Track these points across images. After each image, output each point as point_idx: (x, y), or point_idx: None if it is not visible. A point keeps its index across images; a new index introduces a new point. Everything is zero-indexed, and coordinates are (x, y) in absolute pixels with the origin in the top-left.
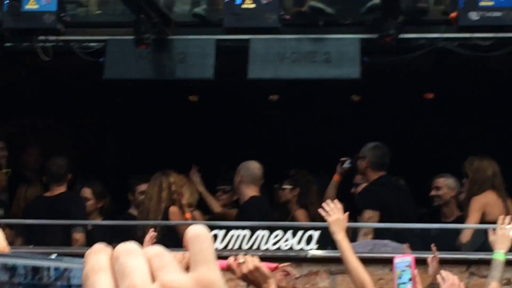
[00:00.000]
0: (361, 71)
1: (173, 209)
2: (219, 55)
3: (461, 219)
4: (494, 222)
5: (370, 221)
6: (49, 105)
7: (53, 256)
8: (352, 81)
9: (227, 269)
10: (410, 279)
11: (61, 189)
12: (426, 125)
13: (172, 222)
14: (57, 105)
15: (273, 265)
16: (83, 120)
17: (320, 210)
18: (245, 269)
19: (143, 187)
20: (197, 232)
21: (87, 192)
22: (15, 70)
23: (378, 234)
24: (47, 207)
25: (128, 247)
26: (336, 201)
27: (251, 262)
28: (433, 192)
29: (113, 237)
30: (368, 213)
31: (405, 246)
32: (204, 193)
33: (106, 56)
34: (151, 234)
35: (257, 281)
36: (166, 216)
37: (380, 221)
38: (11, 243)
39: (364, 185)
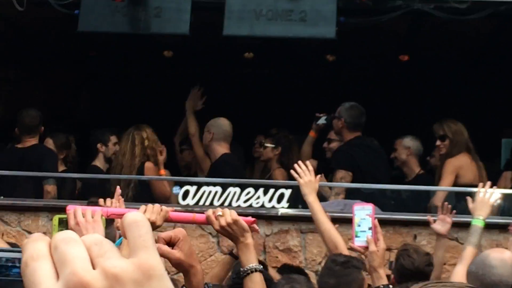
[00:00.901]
0: (336, 30)
1: (148, 165)
2: (195, 10)
3: (423, 177)
4: (467, 185)
5: (342, 181)
6: (22, 57)
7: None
8: (327, 41)
9: (206, 222)
10: (370, 228)
11: (33, 141)
12: (400, 86)
13: (145, 177)
14: (30, 58)
15: (251, 219)
16: (56, 73)
17: (292, 172)
18: (223, 221)
19: (115, 138)
20: (135, 218)
21: (49, 142)
22: None
23: (349, 194)
24: (19, 158)
25: (66, 236)
26: (308, 162)
27: (230, 215)
28: (392, 154)
29: (83, 190)
30: (340, 173)
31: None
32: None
33: (80, 8)
34: (118, 191)
35: (235, 234)
36: (141, 171)
37: (353, 181)
38: None
39: (337, 143)
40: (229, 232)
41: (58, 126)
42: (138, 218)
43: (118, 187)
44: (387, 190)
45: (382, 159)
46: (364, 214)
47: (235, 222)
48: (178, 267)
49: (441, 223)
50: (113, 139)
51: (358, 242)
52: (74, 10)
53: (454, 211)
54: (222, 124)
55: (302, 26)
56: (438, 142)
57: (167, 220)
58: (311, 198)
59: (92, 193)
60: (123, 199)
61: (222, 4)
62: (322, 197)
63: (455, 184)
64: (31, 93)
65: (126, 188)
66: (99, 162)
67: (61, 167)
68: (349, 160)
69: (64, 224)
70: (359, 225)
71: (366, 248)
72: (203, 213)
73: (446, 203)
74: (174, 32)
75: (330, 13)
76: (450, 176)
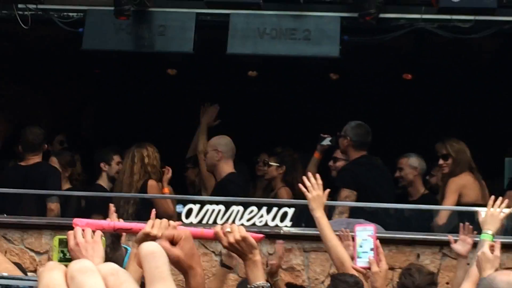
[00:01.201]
0: (340, 49)
1: (151, 183)
2: (199, 29)
3: (427, 197)
4: (470, 204)
5: (346, 200)
6: (26, 74)
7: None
8: (331, 59)
9: (213, 238)
10: (372, 249)
11: (36, 158)
12: (404, 105)
13: (147, 195)
14: (35, 75)
15: (260, 235)
16: (61, 90)
17: (300, 186)
18: (231, 238)
19: (118, 157)
20: (152, 249)
21: (53, 161)
22: None
23: (353, 213)
24: (22, 176)
25: (83, 265)
26: (317, 176)
27: (238, 231)
28: (397, 173)
29: (87, 208)
30: (345, 192)
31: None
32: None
33: (85, 27)
34: (112, 209)
35: (243, 251)
36: (144, 189)
37: (358, 200)
38: None
39: (342, 162)
40: (237, 249)
41: (62, 144)
42: (155, 249)
43: (111, 204)
44: (391, 209)
45: (386, 178)
46: (365, 235)
47: (244, 239)
48: (177, 265)
49: (462, 244)
50: (116, 158)
51: (360, 263)
52: (79, 28)
53: (475, 232)
54: (228, 142)
55: (306, 44)
56: (440, 161)
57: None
58: (319, 213)
59: (96, 211)
60: (115, 215)
61: (226, 22)
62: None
63: (458, 203)
64: (35, 110)
65: (126, 206)
66: (102, 181)
67: (66, 185)
68: (354, 179)
69: (64, 245)
70: (361, 246)
71: (368, 268)
72: (211, 228)
73: (467, 223)
74: (178, 50)
75: (334, 32)
76: (453, 195)
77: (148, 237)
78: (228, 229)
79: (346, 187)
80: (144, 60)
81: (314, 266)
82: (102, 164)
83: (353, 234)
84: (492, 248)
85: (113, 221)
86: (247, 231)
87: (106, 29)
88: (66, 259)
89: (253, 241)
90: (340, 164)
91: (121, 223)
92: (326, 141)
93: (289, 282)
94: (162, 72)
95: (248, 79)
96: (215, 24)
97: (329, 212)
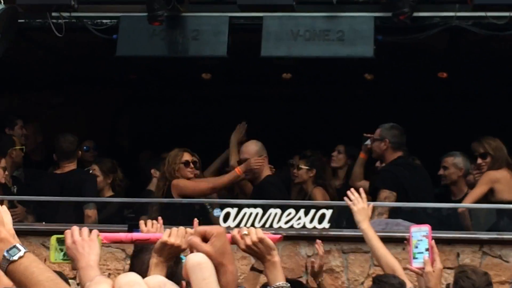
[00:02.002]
0: (374, 49)
1: (174, 182)
2: (232, 32)
3: None
4: (504, 201)
5: (385, 201)
6: (61, 82)
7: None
8: (365, 60)
9: (231, 242)
10: (427, 249)
11: (71, 166)
12: (439, 104)
13: (176, 200)
14: (70, 82)
15: (277, 236)
16: (96, 97)
17: (345, 199)
18: (248, 240)
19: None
20: (199, 261)
21: (95, 169)
22: (28, 46)
23: (392, 213)
24: (58, 184)
25: (130, 279)
26: (361, 190)
27: (255, 233)
28: (440, 171)
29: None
30: (384, 193)
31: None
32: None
33: (119, 33)
34: (160, 221)
35: (261, 252)
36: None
37: (397, 201)
38: (24, 219)
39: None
40: (255, 251)
41: (88, 150)
42: (202, 260)
43: (159, 218)
44: (429, 209)
45: (425, 178)
46: (420, 236)
47: (261, 240)
48: None
49: None
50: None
51: (416, 264)
52: (112, 35)
53: None
54: (262, 146)
55: (339, 45)
56: (479, 160)
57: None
58: (365, 225)
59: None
60: (161, 221)
61: (259, 25)
62: None
63: (493, 199)
64: (71, 118)
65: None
66: (152, 186)
67: (109, 192)
68: (394, 180)
69: (61, 243)
70: (416, 247)
71: (424, 269)
72: (229, 233)
73: None
74: (212, 55)
75: (368, 32)
76: (483, 186)
77: (166, 246)
78: (245, 232)
79: (386, 188)
80: (179, 65)
81: (353, 267)
82: (152, 170)
83: (406, 235)
84: None
85: (130, 234)
86: (264, 233)
87: (140, 35)
88: (63, 257)
89: (270, 242)
90: (375, 145)
91: (139, 234)
92: (368, 141)
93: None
94: (197, 76)
95: (282, 82)
96: (248, 27)
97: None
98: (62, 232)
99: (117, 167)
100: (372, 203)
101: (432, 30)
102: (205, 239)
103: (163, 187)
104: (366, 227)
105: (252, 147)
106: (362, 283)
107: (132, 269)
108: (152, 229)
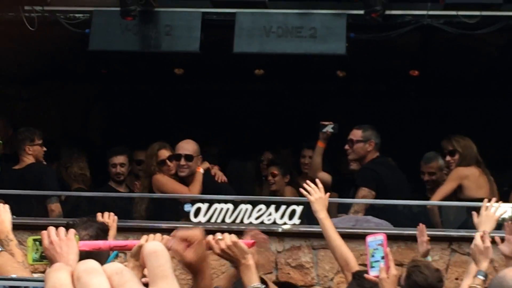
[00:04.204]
0: (347, 47)
1: (156, 176)
2: (205, 28)
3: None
4: (472, 198)
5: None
6: (33, 76)
7: None
8: (338, 57)
9: (206, 247)
10: (383, 257)
11: (29, 159)
12: (410, 101)
13: (157, 195)
14: (42, 76)
15: (251, 241)
16: (68, 91)
17: (301, 190)
18: (223, 245)
19: (117, 159)
20: (155, 248)
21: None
22: (0, 40)
23: (368, 212)
24: (18, 179)
25: (89, 266)
26: (317, 180)
27: (229, 238)
28: (426, 177)
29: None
30: (363, 191)
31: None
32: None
33: (91, 27)
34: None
35: (236, 256)
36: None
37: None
38: None
39: (361, 145)
40: (230, 255)
41: (71, 144)
42: (157, 248)
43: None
44: (399, 206)
45: (402, 178)
46: (376, 244)
47: (235, 244)
48: (188, 268)
49: (507, 244)
50: (113, 160)
51: (373, 272)
52: (85, 29)
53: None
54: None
55: (312, 42)
56: (448, 158)
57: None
58: (322, 215)
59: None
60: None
61: (232, 21)
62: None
63: (462, 196)
64: (42, 112)
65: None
66: (111, 182)
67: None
68: (376, 178)
69: (38, 244)
70: (372, 255)
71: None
72: (210, 231)
73: (510, 222)
74: (185, 50)
75: (340, 29)
76: (451, 182)
77: None
78: (220, 237)
79: (367, 187)
80: (151, 60)
81: (323, 264)
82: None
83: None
84: (482, 238)
85: (108, 241)
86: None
87: (113, 29)
88: (41, 259)
89: (244, 246)
90: (359, 146)
91: (116, 242)
92: (328, 128)
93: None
94: (169, 71)
95: (254, 78)
96: (221, 23)
97: (343, 209)
98: (34, 230)
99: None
100: (328, 194)
101: (404, 28)
102: (186, 244)
103: (148, 186)
104: (324, 217)
105: (191, 145)
106: (332, 279)
107: None
108: (109, 220)
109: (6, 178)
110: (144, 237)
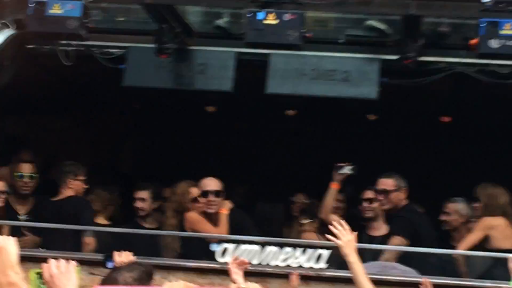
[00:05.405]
0: (378, 91)
1: (190, 214)
2: (239, 68)
3: None
4: (499, 249)
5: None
6: (67, 107)
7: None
8: (369, 100)
9: None
10: None
11: (69, 192)
12: (441, 148)
13: (185, 233)
14: (76, 109)
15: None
16: (101, 125)
17: (328, 236)
18: None
19: (139, 194)
20: (2, 245)
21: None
22: (36, 71)
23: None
24: (55, 211)
25: None
26: (342, 222)
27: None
28: (442, 217)
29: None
30: (396, 240)
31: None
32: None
33: (126, 63)
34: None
35: None
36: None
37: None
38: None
39: (377, 204)
40: None
41: (103, 177)
42: (4, 245)
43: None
44: (428, 254)
45: (430, 225)
46: None
47: None
48: None
49: None
50: (137, 194)
51: None
52: (120, 64)
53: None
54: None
55: (344, 86)
56: (475, 204)
57: None
58: (353, 259)
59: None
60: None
61: (265, 62)
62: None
63: (488, 247)
64: (75, 145)
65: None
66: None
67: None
68: (409, 227)
69: (41, 278)
70: None
71: None
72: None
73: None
74: (218, 89)
75: (373, 73)
76: (478, 232)
77: None
78: (244, 286)
79: (400, 235)
80: (183, 97)
81: None
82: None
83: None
84: None
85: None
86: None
87: (147, 66)
88: None
89: None
90: (376, 205)
91: None
92: (346, 170)
93: None
94: (201, 109)
95: (286, 118)
96: (254, 64)
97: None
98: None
99: (114, 199)
100: (356, 233)
101: (436, 75)
102: None
103: (179, 223)
104: (354, 261)
105: (215, 182)
106: None
107: None
108: (125, 260)
109: (42, 209)
110: (168, 284)
